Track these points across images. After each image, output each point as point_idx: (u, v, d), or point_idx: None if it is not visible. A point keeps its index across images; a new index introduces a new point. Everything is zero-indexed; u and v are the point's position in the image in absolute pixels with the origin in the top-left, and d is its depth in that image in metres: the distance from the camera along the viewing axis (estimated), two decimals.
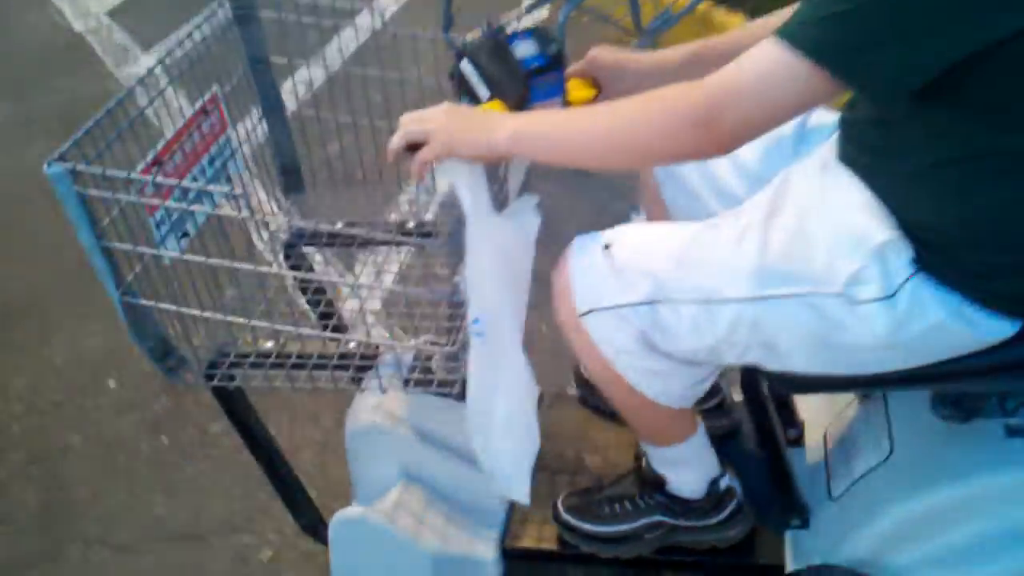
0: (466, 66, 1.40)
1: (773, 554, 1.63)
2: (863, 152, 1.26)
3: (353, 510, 1.66)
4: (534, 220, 1.43)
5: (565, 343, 1.47)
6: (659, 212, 1.69)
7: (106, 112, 1.26)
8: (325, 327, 1.58)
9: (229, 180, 1.54)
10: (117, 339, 2.65)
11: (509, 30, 1.46)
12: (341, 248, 1.77)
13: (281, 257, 1.72)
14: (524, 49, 1.40)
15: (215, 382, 1.47)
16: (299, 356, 1.47)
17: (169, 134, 1.35)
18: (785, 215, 1.31)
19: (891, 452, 1.52)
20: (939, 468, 1.44)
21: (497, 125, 1.27)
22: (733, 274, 1.31)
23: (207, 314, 1.36)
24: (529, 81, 1.39)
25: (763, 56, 1.10)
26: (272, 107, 1.67)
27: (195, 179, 1.43)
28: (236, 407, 1.59)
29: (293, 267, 1.73)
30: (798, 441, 1.76)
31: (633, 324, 1.37)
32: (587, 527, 1.66)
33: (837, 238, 1.25)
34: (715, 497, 1.61)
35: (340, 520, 1.66)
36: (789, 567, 1.59)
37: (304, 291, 1.71)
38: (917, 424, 1.50)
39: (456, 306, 1.48)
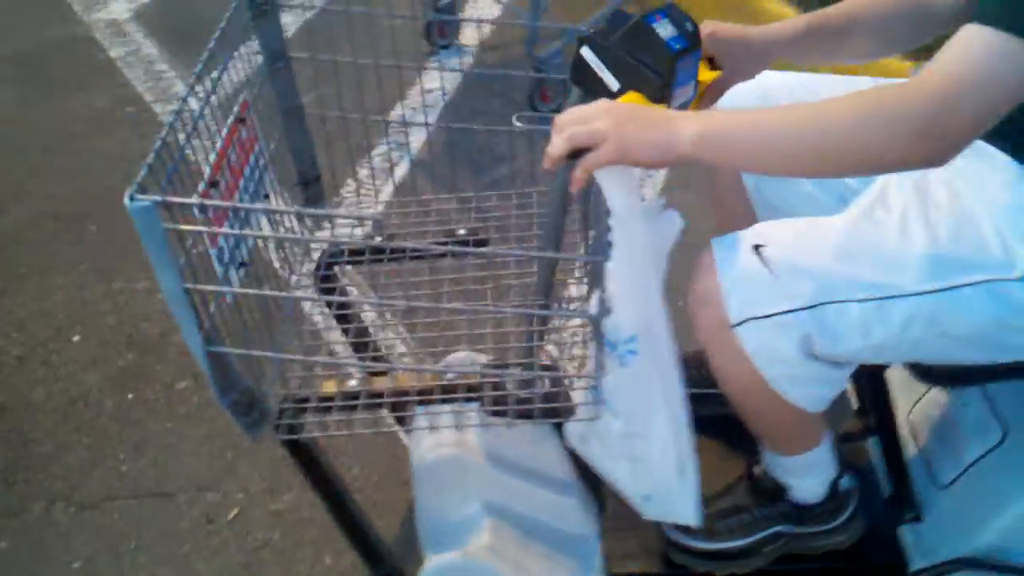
0: (588, 54, 1.23)
1: (890, 552, 1.58)
2: (1008, 125, 1.15)
3: (451, 557, 1.46)
4: (676, 225, 1.21)
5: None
6: (737, 212, 1.61)
7: (169, 128, 1.08)
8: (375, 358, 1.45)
9: (267, 196, 1.38)
10: (81, 294, 2.62)
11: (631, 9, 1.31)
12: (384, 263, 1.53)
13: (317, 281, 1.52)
14: (665, 30, 1.22)
15: (294, 435, 1.30)
16: (374, 395, 1.29)
17: (213, 151, 1.20)
18: (939, 198, 1.25)
19: (1004, 435, 1.48)
20: None
21: (678, 125, 1.13)
22: (905, 266, 1.23)
23: (291, 356, 1.22)
24: (675, 66, 1.22)
25: (975, 49, 1.03)
26: (291, 111, 1.49)
27: (242, 199, 1.28)
28: (309, 457, 1.39)
29: (327, 291, 1.53)
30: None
31: (795, 330, 1.25)
32: (700, 545, 1.56)
33: (1006, 218, 1.21)
34: (837, 500, 1.53)
35: (437, 569, 1.45)
36: (915, 564, 1.55)
37: (345, 318, 1.53)
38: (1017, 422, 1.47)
39: (582, 325, 1.35)
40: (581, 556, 1.52)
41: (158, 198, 0.99)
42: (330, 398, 1.29)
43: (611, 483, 1.33)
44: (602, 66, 1.23)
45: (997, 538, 1.46)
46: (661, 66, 1.21)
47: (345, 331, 1.54)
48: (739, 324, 1.26)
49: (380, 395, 1.29)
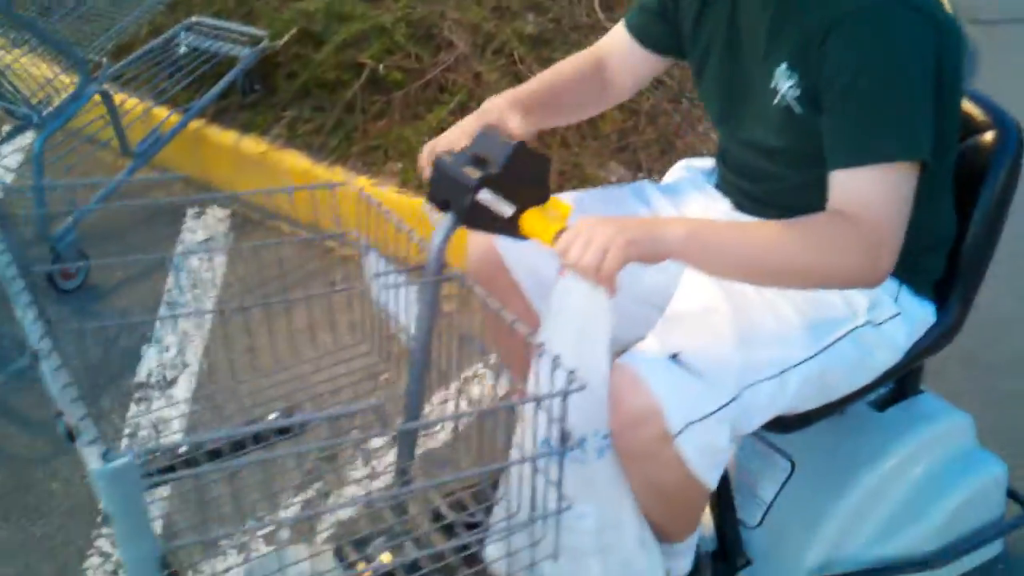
0: (487, 195, 1.33)
1: None
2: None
3: None
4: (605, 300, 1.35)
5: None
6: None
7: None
8: None
9: None
10: None
11: (456, 147, 1.43)
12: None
13: None
14: (500, 146, 1.35)
15: None
16: None
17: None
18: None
19: (793, 467, 1.74)
20: (850, 459, 1.73)
21: (668, 227, 1.32)
22: (792, 339, 1.46)
23: None
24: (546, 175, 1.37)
25: (882, 183, 1.34)
26: None
27: None
28: None
29: None
30: None
31: (726, 423, 1.38)
32: None
33: None
34: (700, 566, 1.64)
35: None
36: None
37: None
38: (805, 435, 1.66)
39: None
40: None
41: (133, 454, 0.90)
42: None
43: None
44: (499, 199, 1.34)
45: (825, 555, 1.72)
46: (545, 175, 1.37)
47: None
48: (680, 432, 1.35)
49: None
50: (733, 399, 1.39)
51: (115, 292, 3.10)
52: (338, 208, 3.01)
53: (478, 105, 1.66)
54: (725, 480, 1.66)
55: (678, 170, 1.89)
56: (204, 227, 3.45)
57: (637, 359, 1.39)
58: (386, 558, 1.40)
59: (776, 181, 1.59)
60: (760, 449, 1.81)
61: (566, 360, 1.24)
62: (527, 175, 1.35)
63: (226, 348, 2.63)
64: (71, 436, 1.32)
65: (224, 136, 3.59)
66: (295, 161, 3.41)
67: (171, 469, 1.34)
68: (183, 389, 2.70)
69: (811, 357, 1.47)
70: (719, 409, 1.38)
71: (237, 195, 3.53)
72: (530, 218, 1.35)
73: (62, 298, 3.06)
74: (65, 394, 1.00)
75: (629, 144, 3.34)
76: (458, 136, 1.54)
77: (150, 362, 2.81)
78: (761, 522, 1.77)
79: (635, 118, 3.40)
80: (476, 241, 1.75)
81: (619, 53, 1.77)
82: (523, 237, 1.38)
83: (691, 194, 1.78)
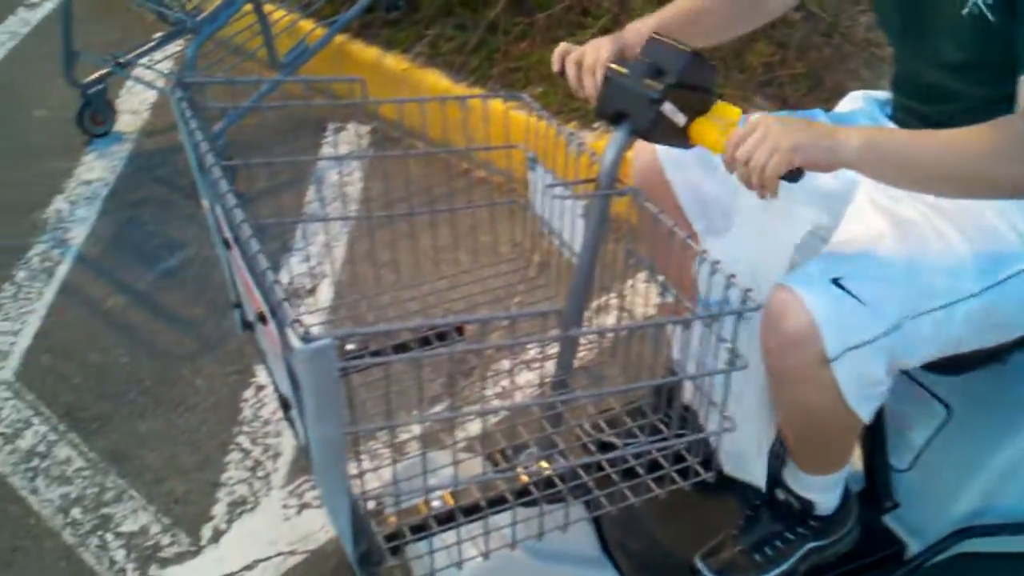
0: (669, 108, 1.31)
1: (889, 541, 1.70)
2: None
3: None
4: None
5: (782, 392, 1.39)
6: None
7: None
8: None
9: None
10: None
11: (597, 62, 1.44)
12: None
13: None
14: (675, 55, 1.32)
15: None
16: (470, 508, 1.30)
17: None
18: (946, 207, 1.43)
19: (949, 413, 1.69)
20: (1012, 409, 1.66)
21: (843, 136, 1.26)
22: (961, 271, 1.39)
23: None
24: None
25: None
26: None
27: None
28: None
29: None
30: None
31: (885, 352, 1.35)
32: None
33: (1010, 214, 1.41)
34: (848, 504, 1.63)
35: None
36: (913, 548, 1.68)
37: None
38: (964, 381, 1.61)
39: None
40: None
41: (333, 337, 0.93)
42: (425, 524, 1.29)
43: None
44: (675, 110, 1.32)
45: (977, 504, 1.67)
46: (713, 81, 1.35)
47: None
48: (837, 358, 1.32)
49: (476, 507, 1.31)
50: (895, 328, 1.35)
51: (258, 200, 3.18)
52: (489, 123, 3.04)
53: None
54: (879, 419, 1.62)
55: (852, 100, 1.79)
56: (345, 142, 3.50)
57: (798, 279, 1.36)
58: (541, 464, 1.41)
59: (958, 101, 1.49)
60: (915, 392, 1.74)
61: (741, 277, 1.23)
62: (699, 82, 1.33)
63: (369, 258, 2.68)
64: (247, 325, 1.37)
65: (367, 52, 3.62)
66: (435, 80, 3.42)
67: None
68: (323, 298, 2.77)
69: (980, 292, 1.40)
70: (879, 337, 1.34)
71: (398, 101, 3.60)
72: (700, 126, 1.34)
73: None
74: (266, 277, 1.02)
75: (775, 78, 3.23)
76: (595, 52, 1.51)
77: (291, 269, 2.89)
78: (911, 466, 1.72)
79: (783, 51, 3.28)
80: (642, 153, 1.71)
81: None
82: (691, 146, 1.37)
83: (863, 124, 1.71)
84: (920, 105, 1.60)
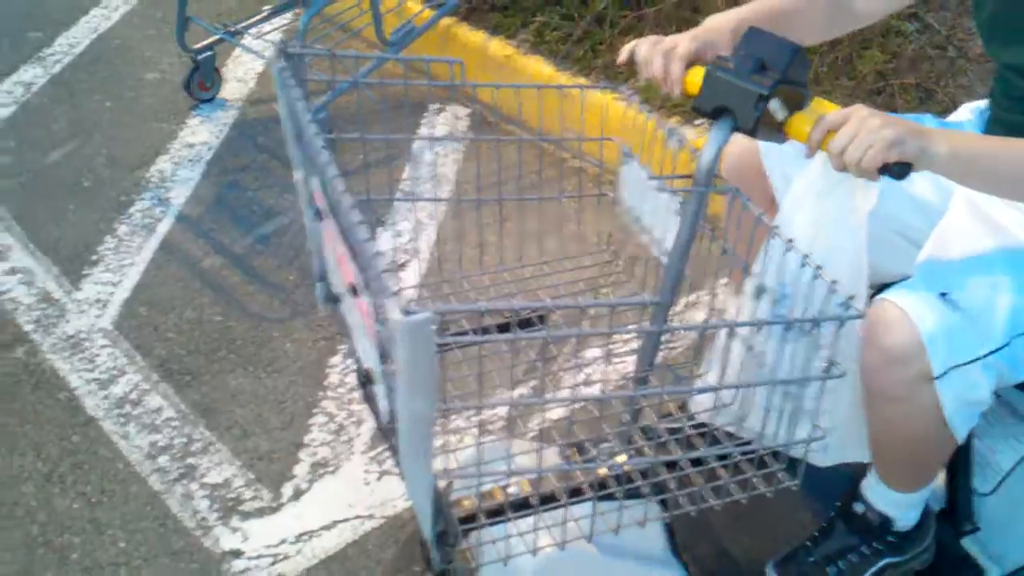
0: (775, 104, 1.28)
1: (966, 565, 1.67)
2: None
3: None
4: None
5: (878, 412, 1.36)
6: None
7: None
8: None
9: None
10: None
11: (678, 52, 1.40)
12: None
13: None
14: (779, 48, 1.29)
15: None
16: (547, 498, 1.31)
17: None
18: None
19: None
20: None
21: (933, 139, 1.22)
22: None
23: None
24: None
25: None
26: None
27: None
28: None
29: None
30: None
31: (993, 371, 1.31)
32: None
33: None
34: (927, 522, 1.60)
35: None
36: (992, 574, 1.65)
37: None
38: None
39: None
40: None
41: (434, 312, 0.92)
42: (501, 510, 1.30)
43: None
44: (780, 107, 1.29)
45: None
46: (806, 78, 1.31)
47: None
48: (942, 375, 1.29)
49: (552, 497, 1.30)
50: (1004, 345, 1.31)
51: (355, 175, 3.23)
52: (587, 112, 3.04)
53: None
54: (967, 440, 1.57)
55: (962, 112, 1.76)
56: (443, 123, 3.53)
57: (903, 294, 1.33)
58: (621, 459, 1.42)
59: None
60: (1002, 413, 1.67)
61: (842, 284, 1.21)
62: (800, 77, 1.31)
63: (459, 240, 2.71)
64: (331, 298, 1.39)
65: (472, 36, 3.64)
66: (539, 67, 3.42)
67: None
68: (412, 274, 2.81)
69: None
70: (988, 355, 1.30)
71: (495, 85, 3.62)
72: (798, 120, 1.31)
73: None
74: (367, 248, 1.03)
75: (886, 88, 3.16)
76: (673, 45, 1.45)
77: (383, 244, 2.93)
78: (995, 490, 1.66)
79: (896, 60, 3.21)
80: (737, 145, 1.69)
81: None
82: (786, 140, 1.35)
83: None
84: (1011, 114, 1.55)
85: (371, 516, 2.12)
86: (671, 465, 1.38)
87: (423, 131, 3.48)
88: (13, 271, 2.85)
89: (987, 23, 1.53)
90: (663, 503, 1.48)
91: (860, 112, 1.23)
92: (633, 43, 1.49)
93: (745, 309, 1.36)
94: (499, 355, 1.79)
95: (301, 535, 2.08)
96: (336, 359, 2.54)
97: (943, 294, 1.32)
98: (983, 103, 1.72)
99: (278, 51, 1.32)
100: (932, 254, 1.46)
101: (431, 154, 3.32)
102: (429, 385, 0.97)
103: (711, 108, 1.34)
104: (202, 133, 3.50)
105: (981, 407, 1.37)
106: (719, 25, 1.52)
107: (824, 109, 1.31)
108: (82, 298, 2.75)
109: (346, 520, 2.12)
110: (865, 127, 1.20)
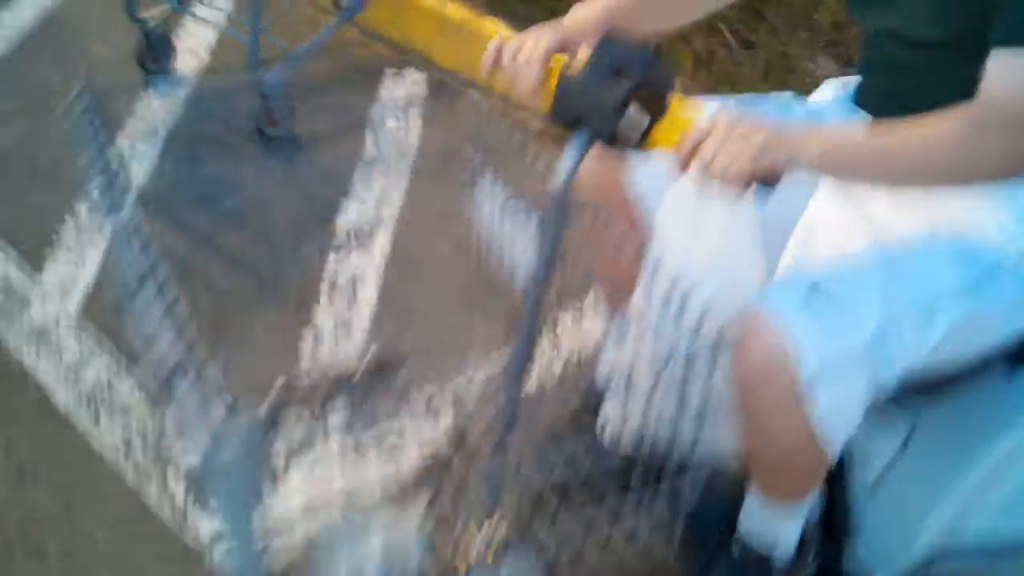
0: (634, 111, 1.19)
1: (853, 573, 1.59)
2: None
3: None
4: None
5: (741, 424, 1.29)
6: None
7: None
8: None
9: None
10: None
11: (533, 55, 1.32)
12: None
13: None
14: (636, 54, 1.21)
15: None
16: None
17: None
18: (918, 199, 1.33)
19: (912, 430, 1.53)
20: (980, 424, 1.48)
21: (802, 139, 1.19)
22: (940, 270, 1.29)
23: None
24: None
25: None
26: None
27: None
28: None
29: None
30: None
31: (866, 367, 1.24)
32: None
33: (989, 203, 1.31)
34: (807, 539, 1.54)
35: None
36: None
37: None
38: (927, 398, 1.48)
39: None
40: None
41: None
42: None
43: None
44: (640, 113, 1.20)
45: (943, 530, 1.51)
46: (672, 81, 1.23)
47: None
48: (814, 378, 1.22)
49: None
50: (877, 336, 1.24)
51: (316, 146, 3.20)
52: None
53: None
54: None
55: (827, 88, 1.68)
56: (402, 89, 3.50)
57: (769, 298, 1.27)
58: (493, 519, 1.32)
59: (923, 76, 1.39)
60: (877, 406, 1.51)
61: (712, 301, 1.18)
62: (661, 82, 1.22)
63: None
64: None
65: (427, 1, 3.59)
66: (496, 29, 3.39)
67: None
68: (377, 248, 2.80)
69: (963, 292, 1.30)
70: (861, 346, 1.23)
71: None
72: (661, 128, 1.23)
73: (268, 147, 3.19)
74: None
75: (844, 39, 3.17)
76: (533, 44, 1.38)
77: (348, 214, 2.91)
78: (875, 486, 1.58)
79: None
80: (596, 159, 1.55)
81: None
82: (651, 149, 1.25)
83: (831, 119, 1.59)
84: (881, 81, 1.51)
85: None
86: (548, 515, 1.32)
87: (382, 95, 3.45)
88: None
89: None
90: (539, 553, 1.40)
91: (725, 120, 1.18)
92: (492, 45, 1.40)
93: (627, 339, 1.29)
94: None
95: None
96: (307, 343, 2.53)
97: (813, 285, 1.27)
98: (847, 78, 1.65)
99: (78, 94, 1.24)
100: (799, 247, 1.39)
101: (392, 121, 3.29)
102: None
103: (566, 120, 1.25)
104: (157, 108, 3.44)
105: (855, 411, 1.29)
106: (583, 18, 1.43)
107: (686, 112, 1.25)
108: (46, 283, 2.71)
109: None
110: (732, 137, 1.16)
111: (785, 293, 1.27)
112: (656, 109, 1.21)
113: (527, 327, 1.29)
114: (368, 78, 3.53)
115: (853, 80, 1.62)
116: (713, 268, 1.34)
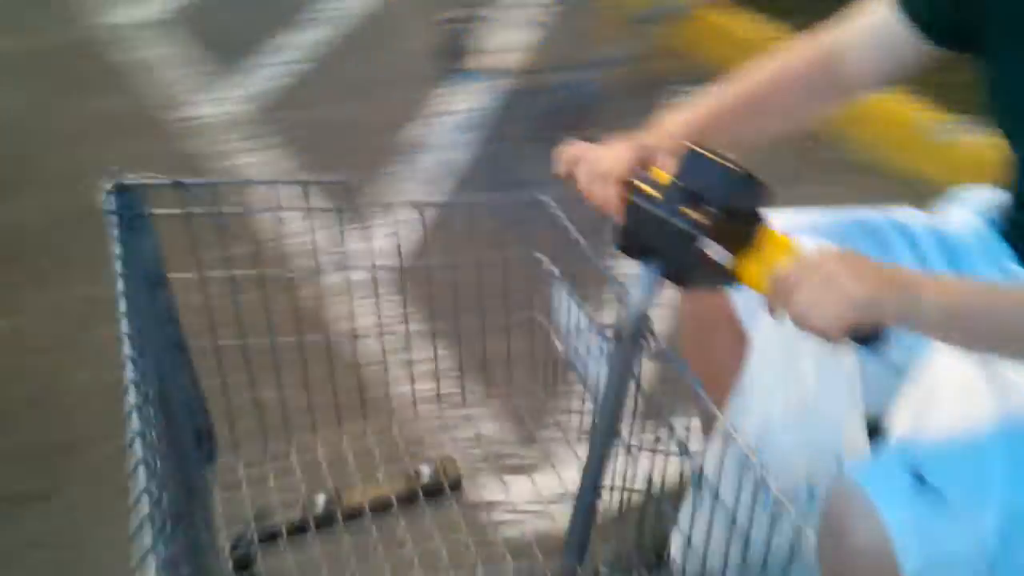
0: (710, 244, 1.02)
1: None
2: None
3: None
4: None
5: None
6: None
7: None
8: None
9: None
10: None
11: (613, 171, 1.14)
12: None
13: None
14: (719, 176, 1.04)
15: None
16: None
17: None
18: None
19: None
20: None
21: (919, 295, 0.97)
22: None
23: None
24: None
25: None
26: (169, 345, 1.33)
27: None
28: None
29: None
30: None
31: (981, 572, 1.05)
32: None
33: None
34: None
35: None
36: None
37: None
38: None
39: None
40: None
41: None
42: None
43: None
44: (719, 249, 1.03)
45: None
46: (764, 206, 1.05)
47: None
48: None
49: None
50: (992, 549, 1.05)
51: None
52: None
53: None
54: None
55: (952, 201, 1.43)
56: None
57: (868, 475, 1.09)
58: None
59: None
60: None
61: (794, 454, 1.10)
62: (749, 208, 1.04)
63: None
64: None
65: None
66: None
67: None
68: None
69: None
70: (971, 555, 1.05)
71: None
72: (747, 263, 1.04)
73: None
74: None
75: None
76: (611, 159, 1.18)
77: None
78: None
79: None
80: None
81: (871, 39, 1.28)
82: (737, 286, 1.07)
83: (971, 247, 1.35)
84: None
85: None
86: None
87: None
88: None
89: (1009, 108, 1.22)
90: None
91: (820, 265, 0.97)
92: (567, 151, 1.24)
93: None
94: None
95: None
96: None
97: (916, 473, 1.07)
98: (985, 194, 1.39)
99: (114, 186, 1.22)
100: (912, 418, 1.17)
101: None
102: None
103: (636, 248, 1.09)
104: (455, 103, 3.56)
105: None
106: (664, 131, 1.24)
107: (779, 245, 1.05)
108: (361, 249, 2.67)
109: None
110: (828, 286, 0.95)
111: (890, 477, 1.08)
112: (741, 243, 1.04)
113: (595, 459, 1.20)
114: (649, 90, 3.44)
115: (985, 196, 1.38)
116: (802, 414, 1.20)
